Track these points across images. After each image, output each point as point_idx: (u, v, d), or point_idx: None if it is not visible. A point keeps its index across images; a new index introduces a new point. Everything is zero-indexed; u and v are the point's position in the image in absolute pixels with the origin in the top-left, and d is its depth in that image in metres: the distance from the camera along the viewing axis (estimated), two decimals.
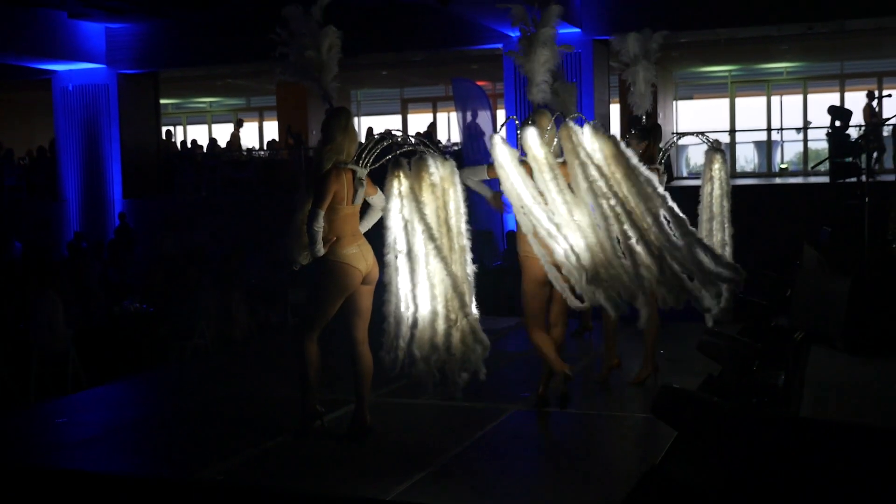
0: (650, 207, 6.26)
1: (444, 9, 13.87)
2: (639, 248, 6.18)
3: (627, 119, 8.08)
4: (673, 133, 21.53)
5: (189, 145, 24.40)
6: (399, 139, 6.12)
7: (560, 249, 6.16)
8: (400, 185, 5.80)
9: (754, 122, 24.63)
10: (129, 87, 20.50)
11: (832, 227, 11.54)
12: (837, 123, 12.70)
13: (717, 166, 8.07)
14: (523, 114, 16.52)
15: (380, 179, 6.05)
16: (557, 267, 6.31)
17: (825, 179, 14.98)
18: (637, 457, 6.02)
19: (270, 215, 17.77)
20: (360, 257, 6.07)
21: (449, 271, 5.73)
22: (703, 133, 8.55)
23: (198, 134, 29.25)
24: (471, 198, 6.14)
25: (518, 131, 6.67)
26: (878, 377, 7.01)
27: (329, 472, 5.75)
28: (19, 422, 7.48)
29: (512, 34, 16.45)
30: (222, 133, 29.19)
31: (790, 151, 24.89)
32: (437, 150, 6.11)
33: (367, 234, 6.21)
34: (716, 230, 8.03)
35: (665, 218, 6.32)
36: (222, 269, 12.92)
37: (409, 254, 5.76)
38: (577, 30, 16.55)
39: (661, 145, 7.90)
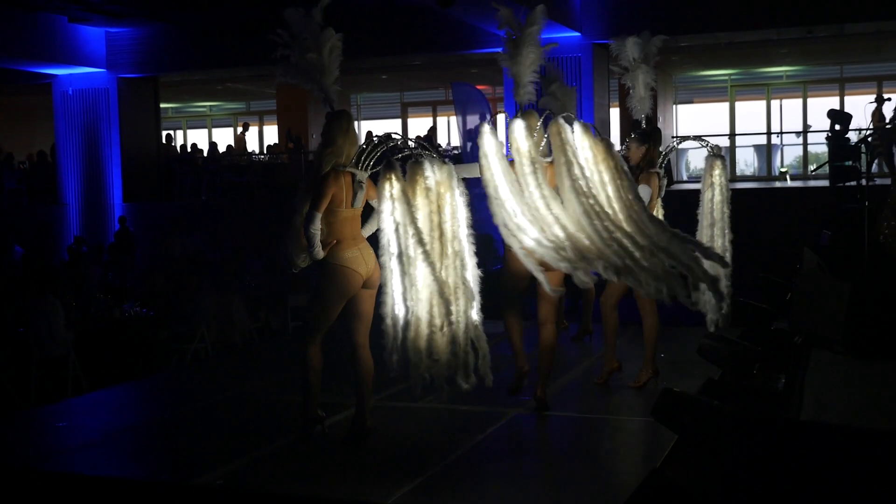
0: (631, 214, 6.29)
1: (444, 12, 13.88)
2: (625, 241, 6.16)
3: (630, 123, 8.09)
4: (673, 137, 21.54)
5: (189, 149, 24.41)
6: (398, 142, 6.13)
7: (529, 240, 6.18)
8: (392, 187, 5.80)
9: (754, 126, 24.65)
10: (129, 91, 20.51)
11: (832, 230, 11.54)
12: (837, 127, 12.69)
13: (717, 172, 8.08)
14: None
15: None
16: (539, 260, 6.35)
17: (825, 183, 14.99)
18: (637, 460, 6.02)
19: (270, 219, 17.78)
20: (360, 261, 6.07)
21: (436, 276, 5.72)
22: (700, 137, 8.55)
23: (198, 138, 29.27)
24: (472, 203, 6.14)
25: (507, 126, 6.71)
26: (879, 380, 7.01)
27: (329, 475, 5.75)
28: (20, 425, 7.49)
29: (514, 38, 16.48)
30: (222, 137, 29.21)
31: (790, 155, 24.90)
32: (437, 153, 6.11)
33: (372, 238, 6.20)
34: (716, 236, 8.03)
35: (646, 222, 6.30)
36: (222, 272, 12.92)
37: (400, 257, 5.76)
38: (577, 33, 16.56)
39: (661, 149, 7.91)
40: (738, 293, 8.41)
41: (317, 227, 5.94)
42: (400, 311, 5.77)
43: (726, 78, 24.71)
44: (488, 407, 7.10)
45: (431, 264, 5.72)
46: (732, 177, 18.35)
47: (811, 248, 10.01)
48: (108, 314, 11.23)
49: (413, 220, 5.76)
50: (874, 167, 15.52)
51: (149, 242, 18.96)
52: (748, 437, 4.55)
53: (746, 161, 25.02)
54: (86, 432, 6.97)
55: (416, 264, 5.73)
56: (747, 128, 24.68)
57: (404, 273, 5.74)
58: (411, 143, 6.10)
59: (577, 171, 6.34)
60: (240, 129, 25.89)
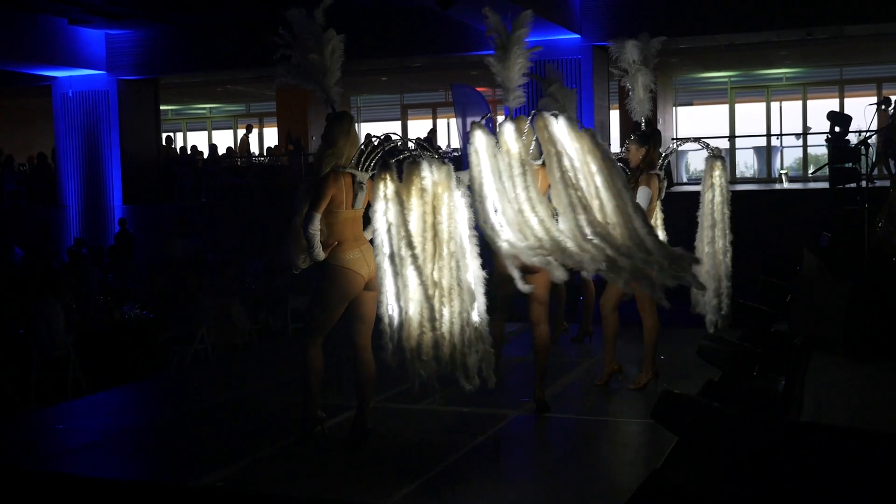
0: (619, 204, 6.37)
1: (444, 14, 13.89)
2: (604, 241, 6.22)
3: (630, 125, 8.10)
4: (673, 139, 21.53)
5: (189, 151, 24.42)
6: (398, 143, 6.13)
7: (502, 243, 6.21)
8: (386, 188, 5.79)
9: (754, 128, 24.66)
10: (129, 94, 20.52)
11: (832, 232, 11.54)
12: (837, 129, 12.69)
13: (717, 173, 8.08)
14: None
15: None
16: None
17: (825, 185, 14.99)
18: (637, 462, 6.02)
19: (270, 221, 17.78)
20: (361, 262, 6.06)
21: (422, 279, 5.72)
22: (700, 139, 8.55)
23: (198, 140, 29.28)
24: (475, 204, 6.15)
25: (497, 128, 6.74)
26: (879, 382, 7.01)
27: (329, 477, 5.75)
28: (20, 427, 7.48)
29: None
30: (222, 139, 29.22)
31: (790, 157, 24.91)
32: (436, 153, 6.11)
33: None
34: (717, 237, 8.04)
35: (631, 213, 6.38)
36: (222, 274, 12.92)
37: (392, 257, 5.76)
38: (577, 36, 16.57)
39: (661, 151, 7.91)
40: (738, 295, 8.41)
41: (316, 227, 5.94)
42: (394, 312, 5.78)
43: (726, 80, 24.72)
44: (488, 409, 7.11)
45: (418, 267, 5.72)
46: (732, 179, 18.33)
47: (811, 249, 10.01)
48: (108, 316, 11.23)
49: (404, 222, 5.76)
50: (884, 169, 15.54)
51: (149, 244, 18.96)
52: (748, 438, 4.55)
53: (746, 163, 25.03)
54: (86, 434, 6.98)
55: (405, 264, 5.74)
56: (747, 130, 24.69)
57: (396, 274, 5.75)
58: (411, 144, 6.10)
59: (566, 162, 6.43)
60: (242, 132, 25.89)
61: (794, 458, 4.35)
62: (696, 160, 23.49)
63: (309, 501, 5.45)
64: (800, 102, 24.49)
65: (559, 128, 6.58)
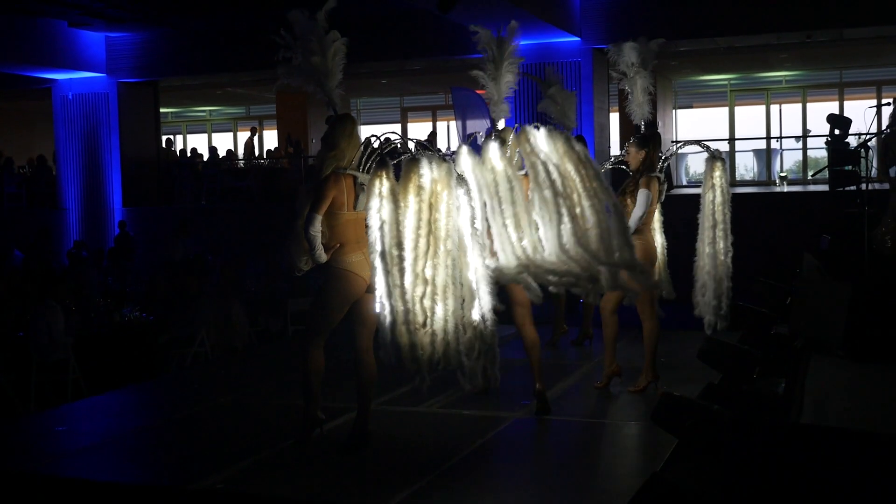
0: (593, 204, 6.55)
1: (444, 17, 13.91)
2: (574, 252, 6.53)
3: (631, 128, 8.11)
4: (672, 142, 21.54)
5: (189, 154, 24.42)
6: (398, 145, 6.13)
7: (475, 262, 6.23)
8: (381, 185, 5.80)
9: (754, 131, 24.66)
10: (128, 96, 20.52)
11: (832, 235, 11.54)
12: (837, 132, 12.68)
13: (717, 174, 8.08)
14: (522, 122, 16.54)
15: None
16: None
17: (824, 188, 14.99)
18: (638, 465, 6.02)
19: (270, 224, 17.77)
20: (363, 265, 6.04)
21: (398, 282, 5.73)
22: (699, 142, 8.55)
23: (197, 142, 29.28)
24: None
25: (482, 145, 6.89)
26: (879, 384, 7.01)
27: (329, 479, 5.75)
28: (19, 430, 7.49)
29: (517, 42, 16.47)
30: (222, 141, 29.22)
31: (789, 160, 24.92)
32: (436, 152, 6.11)
33: None
34: (718, 238, 8.03)
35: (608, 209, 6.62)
36: (222, 277, 12.92)
37: (383, 255, 5.77)
38: (577, 38, 16.58)
39: (660, 154, 7.91)
40: (738, 297, 8.41)
41: (317, 229, 5.94)
42: (385, 309, 5.79)
43: (726, 83, 24.72)
44: (488, 412, 7.11)
45: (402, 269, 5.74)
46: (732, 181, 18.31)
47: (811, 252, 10.01)
48: (108, 318, 11.23)
49: (397, 220, 5.77)
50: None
51: (149, 247, 18.96)
52: (748, 440, 4.56)
53: (746, 166, 25.02)
54: (86, 436, 6.98)
55: (397, 262, 5.76)
56: (747, 132, 24.68)
57: (387, 272, 5.75)
58: (411, 145, 6.10)
59: (552, 169, 6.59)
60: (243, 134, 25.89)
61: (795, 460, 4.36)
62: (695, 163, 23.49)
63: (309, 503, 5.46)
64: (799, 105, 24.48)
65: (540, 137, 6.70)
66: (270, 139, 27.84)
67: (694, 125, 25.94)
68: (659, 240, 8.00)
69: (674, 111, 24.82)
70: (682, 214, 9.07)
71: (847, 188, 11.41)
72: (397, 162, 5.97)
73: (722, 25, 16.64)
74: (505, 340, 7.33)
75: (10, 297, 12.00)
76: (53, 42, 19.02)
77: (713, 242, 8.01)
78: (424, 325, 5.78)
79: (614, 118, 20.31)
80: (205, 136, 30.46)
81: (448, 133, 26.22)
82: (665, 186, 7.96)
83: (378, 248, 5.77)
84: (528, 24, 15.05)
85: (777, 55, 21.19)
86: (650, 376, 7.61)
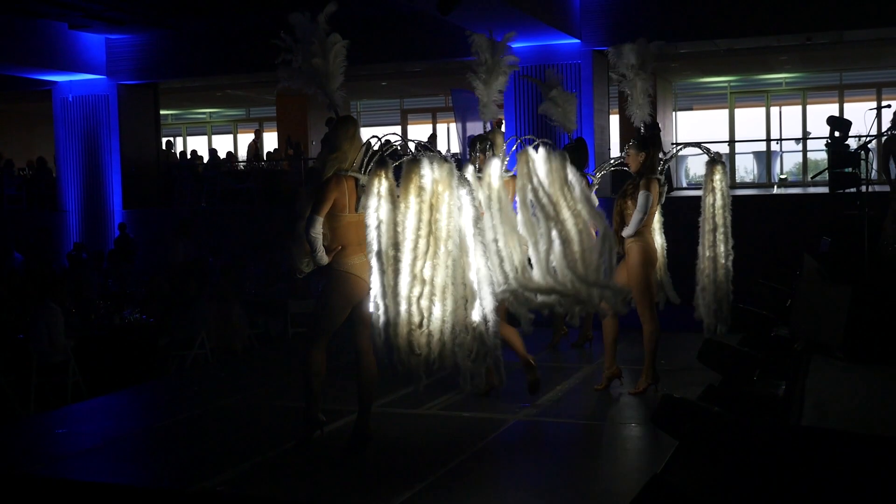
0: (578, 226, 7.11)
1: (444, 19, 13.91)
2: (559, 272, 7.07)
3: (631, 130, 8.13)
4: (672, 144, 21.54)
5: (189, 156, 24.42)
6: (398, 146, 6.13)
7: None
8: (380, 185, 5.80)
9: (753, 133, 24.65)
10: (129, 98, 20.51)
11: (832, 237, 11.53)
12: (837, 134, 12.68)
13: (717, 177, 8.08)
14: (523, 125, 16.54)
15: None
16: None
17: (824, 190, 14.99)
18: (638, 466, 6.01)
19: (270, 226, 17.77)
20: (365, 267, 6.03)
21: (393, 282, 5.75)
22: (700, 144, 8.56)
23: (197, 144, 29.28)
24: None
25: (472, 153, 7.32)
26: (879, 386, 7.00)
27: (330, 481, 5.75)
28: (19, 432, 7.49)
29: (513, 45, 16.46)
30: (222, 143, 29.22)
31: (789, 162, 24.92)
32: (437, 152, 6.12)
33: None
34: (718, 241, 8.04)
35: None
36: (222, 279, 12.91)
37: (379, 254, 5.77)
38: (577, 40, 16.57)
39: (661, 156, 7.91)
40: (739, 299, 8.41)
41: (318, 231, 5.94)
42: (379, 309, 5.79)
43: (726, 85, 24.72)
44: (488, 413, 7.11)
45: (397, 270, 5.74)
46: (732, 184, 18.32)
47: (811, 254, 10.01)
48: (108, 321, 11.23)
49: (394, 220, 5.77)
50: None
51: (149, 249, 18.95)
52: (749, 442, 4.56)
53: (746, 168, 25.02)
54: (85, 438, 6.97)
55: (392, 262, 5.76)
56: (747, 135, 24.68)
57: (383, 271, 5.76)
58: (411, 146, 6.11)
59: (542, 194, 7.08)
60: (243, 136, 25.88)
61: (795, 462, 4.36)
62: (695, 165, 23.49)
63: None
64: (799, 107, 24.48)
65: (539, 160, 7.13)
66: (270, 141, 27.85)
67: (694, 127, 25.93)
68: (659, 241, 8.01)
69: (674, 113, 24.82)
70: (681, 217, 9.08)
71: (847, 190, 11.41)
72: (399, 163, 5.97)
73: (722, 27, 16.63)
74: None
75: (10, 299, 11.99)
76: (54, 44, 19.01)
77: (713, 246, 8.02)
78: (421, 325, 5.78)
79: (614, 120, 20.31)
80: (205, 138, 30.46)
81: (448, 135, 26.22)
82: (665, 188, 7.97)
83: (374, 247, 5.78)
84: (528, 25, 15.05)
85: (777, 57, 21.19)
86: (650, 378, 7.60)
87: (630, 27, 15.28)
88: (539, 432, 6.87)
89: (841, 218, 11.75)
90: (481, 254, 6.00)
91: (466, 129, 16.86)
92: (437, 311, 5.81)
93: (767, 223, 15.60)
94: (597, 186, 9.47)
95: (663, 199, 7.90)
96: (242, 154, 25.74)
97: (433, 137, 24.66)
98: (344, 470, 5.93)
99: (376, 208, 5.80)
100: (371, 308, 5.86)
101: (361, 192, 6.05)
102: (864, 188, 10.65)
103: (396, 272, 5.75)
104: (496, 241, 6.91)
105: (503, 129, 17.02)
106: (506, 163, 7.28)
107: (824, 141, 16.56)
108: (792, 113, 24.81)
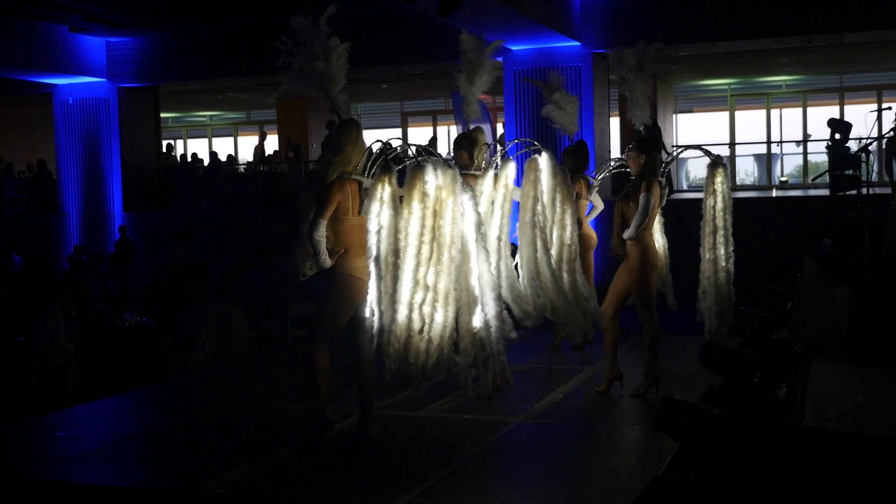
0: (560, 234, 7.70)
1: (444, 22, 13.91)
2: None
3: (631, 132, 8.14)
4: (673, 146, 21.55)
5: (189, 158, 24.43)
6: (399, 150, 6.13)
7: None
8: (383, 190, 5.81)
9: (754, 135, 24.67)
10: (129, 101, 20.53)
11: (832, 239, 11.53)
12: (837, 136, 12.68)
13: (719, 180, 8.08)
14: (522, 128, 16.54)
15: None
16: None
17: (825, 192, 14.99)
18: (639, 469, 6.01)
19: (271, 229, 17.78)
20: (368, 270, 6.03)
21: (391, 288, 5.75)
22: (701, 147, 8.56)
23: (198, 147, 29.29)
24: None
25: (456, 151, 7.61)
26: (880, 388, 7.00)
27: (330, 483, 5.74)
28: (20, 434, 7.48)
29: (514, 47, 16.49)
30: (223, 146, 29.23)
31: (790, 164, 24.92)
32: (439, 156, 6.13)
33: None
34: (718, 243, 8.03)
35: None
36: (223, 282, 12.91)
37: (377, 260, 5.78)
38: (577, 43, 16.58)
39: (664, 157, 7.92)
40: (739, 302, 8.41)
41: (321, 234, 5.94)
42: (374, 316, 5.79)
43: (726, 87, 24.73)
44: (489, 416, 7.10)
45: (395, 277, 5.75)
46: (732, 186, 18.33)
47: (812, 256, 10.00)
48: (109, 323, 11.22)
49: (395, 226, 5.78)
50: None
51: (149, 252, 18.95)
52: (749, 444, 4.55)
53: (746, 170, 25.04)
54: (86, 441, 6.97)
55: (391, 269, 5.76)
56: (747, 137, 24.70)
57: (380, 277, 5.76)
58: (413, 150, 6.11)
59: (539, 207, 7.51)
60: (248, 138, 25.86)
61: (796, 464, 4.35)
62: (696, 168, 23.50)
63: None
64: (800, 110, 24.50)
65: (545, 170, 7.63)
66: (271, 144, 27.88)
67: (694, 130, 25.96)
68: (661, 241, 8.01)
69: (674, 116, 24.84)
70: (682, 219, 9.08)
71: (848, 192, 11.41)
72: (402, 168, 5.97)
73: (722, 30, 16.65)
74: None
75: (10, 302, 11.99)
76: (54, 47, 19.03)
77: (713, 248, 8.01)
78: (421, 331, 5.78)
79: (614, 122, 20.32)
80: (205, 140, 30.47)
81: (448, 138, 26.24)
82: (666, 191, 7.97)
83: (374, 252, 5.79)
84: (529, 28, 15.06)
85: (777, 59, 21.20)
86: (651, 381, 7.60)
87: (630, 30, 15.29)
88: (540, 434, 6.86)
89: (842, 220, 11.75)
90: (483, 260, 6.00)
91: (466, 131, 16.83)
92: (439, 318, 5.81)
93: (768, 225, 15.61)
94: (597, 188, 9.48)
95: (664, 202, 7.89)
96: (243, 157, 25.74)
97: (433, 140, 24.68)
98: (345, 472, 5.93)
99: (378, 213, 5.80)
100: (367, 314, 5.86)
101: (365, 195, 6.05)
102: (864, 190, 10.65)
103: (395, 278, 5.76)
104: (500, 238, 7.30)
105: (503, 131, 17.02)
106: (484, 161, 7.57)
107: (825, 143, 16.56)
108: (792, 115, 24.84)
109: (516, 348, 9.41)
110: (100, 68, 20.04)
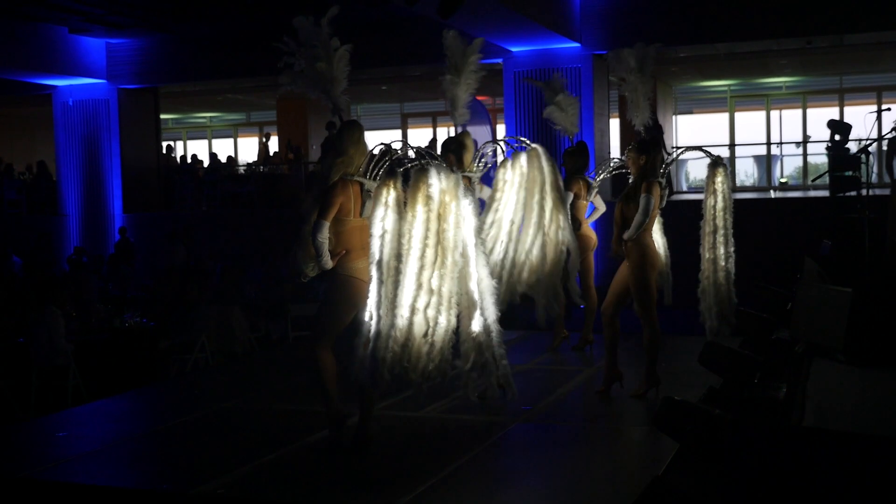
0: (538, 223, 8.07)
1: (444, 23, 13.93)
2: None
3: (636, 133, 8.16)
4: (673, 147, 21.55)
5: (189, 160, 24.44)
6: (401, 152, 6.13)
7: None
8: (388, 194, 5.81)
9: (754, 137, 24.68)
10: (129, 102, 20.54)
11: (832, 240, 11.54)
12: (837, 137, 12.70)
13: (719, 180, 8.09)
14: (522, 129, 16.54)
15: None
16: None
17: (825, 193, 15.00)
18: (639, 469, 6.01)
19: (270, 230, 17.78)
20: (369, 271, 6.03)
21: (391, 294, 5.75)
22: (701, 148, 8.56)
23: (198, 149, 29.30)
24: None
25: (444, 154, 7.90)
26: (880, 388, 7.00)
27: (330, 484, 5.74)
28: (20, 435, 7.48)
29: (513, 49, 16.49)
30: (222, 148, 29.24)
31: (790, 165, 24.93)
32: (443, 162, 6.13)
33: None
34: (718, 243, 8.04)
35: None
36: (223, 283, 12.92)
37: (379, 264, 5.78)
38: (577, 44, 16.59)
39: (665, 156, 7.92)
40: (739, 302, 8.41)
41: (324, 235, 5.94)
42: (371, 320, 5.79)
43: (726, 88, 24.74)
44: (489, 417, 7.10)
45: (395, 282, 5.75)
46: (732, 187, 18.38)
47: (812, 257, 10.01)
48: (109, 324, 11.23)
49: (399, 231, 5.78)
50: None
51: (149, 253, 18.95)
52: (750, 444, 4.55)
53: (746, 171, 25.05)
54: (86, 442, 6.96)
55: (393, 273, 5.76)
56: (747, 138, 24.71)
57: (381, 282, 5.76)
58: (411, 153, 6.11)
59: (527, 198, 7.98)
60: (249, 139, 25.85)
61: (796, 464, 4.35)
62: (696, 169, 23.51)
63: None
64: (800, 111, 24.51)
65: (524, 163, 8.10)
66: (271, 145, 27.87)
67: (694, 131, 25.97)
68: (660, 240, 8.01)
69: (674, 117, 24.85)
70: (682, 220, 9.08)
71: (848, 193, 11.42)
72: (404, 169, 5.97)
73: (722, 31, 16.65)
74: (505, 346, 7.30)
75: (10, 303, 11.99)
76: (54, 48, 19.04)
77: (713, 248, 8.02)
78: (426, 335, 5.78)
79: (614, 123, 20.33)
80: (205, 142, 30.48)
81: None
82: (666, 192, 7.97)
83: (376, 257, 5.78)
84: (528, 29, 15.07)
85: (777, 61, 21.21)
86: (651, 381, 7.60)
87: (630, 31, 15.29)
88: (540, 435, 6.86)
89: (841, 221, 11.76)
90: (483, 264, 6.01)
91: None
92: (442, 321, 5.81)
93: (768, 226, 15.62)
94: (597, 189, 9.48)
95: (664, 203, 7.89)
96: (243, 158, 25.73)
97: (433, 142, 24.67)
98: (345, 473, 5.93)
99: (382, 218, 5.80)
100: (365, 317, 5.86)
101: (367, 197, 6.05)
102: (864, 191, 10.66)
103: (396, 283, 5.76)
104: (513, 221, 7.96)
105: (503, 132, 17.02)
106: (479, 162, 8.06)
107: (825, 144, 16.59)
108: (792, 116, 24.85)
109: (516, 349, 9.42)
110: (100, 70, 20.05)
